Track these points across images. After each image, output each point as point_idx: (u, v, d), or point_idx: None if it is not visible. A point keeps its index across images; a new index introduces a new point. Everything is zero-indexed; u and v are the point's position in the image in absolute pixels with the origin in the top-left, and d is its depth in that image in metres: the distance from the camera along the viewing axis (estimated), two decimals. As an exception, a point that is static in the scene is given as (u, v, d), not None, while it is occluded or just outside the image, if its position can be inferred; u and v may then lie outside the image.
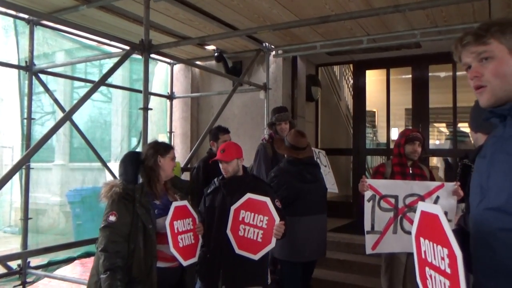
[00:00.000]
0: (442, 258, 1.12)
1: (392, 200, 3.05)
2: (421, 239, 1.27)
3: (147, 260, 2.42)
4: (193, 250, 2.67)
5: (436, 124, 10.27)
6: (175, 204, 2.58)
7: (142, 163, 2.65)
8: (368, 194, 3.09)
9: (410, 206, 3.00)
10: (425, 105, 6.34)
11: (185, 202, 2.69)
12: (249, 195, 2.73)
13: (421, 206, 1.27)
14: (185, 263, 2.53)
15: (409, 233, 2.89)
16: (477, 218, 1.27)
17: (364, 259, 4.61)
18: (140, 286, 2.39)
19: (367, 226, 3.09)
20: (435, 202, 2.92)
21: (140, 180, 2.58)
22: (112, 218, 2.39)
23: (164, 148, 2.69)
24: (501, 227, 1.16)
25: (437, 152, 7.19)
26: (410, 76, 6.56)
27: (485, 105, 1.27)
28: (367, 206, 3.10)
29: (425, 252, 1.24)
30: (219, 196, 2.94)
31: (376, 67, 6.92)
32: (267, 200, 2.65)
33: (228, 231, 2.76)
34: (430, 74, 6.35)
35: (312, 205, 3.41)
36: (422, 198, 2.98)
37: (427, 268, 1.23)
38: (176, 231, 2.52)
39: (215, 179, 3.06)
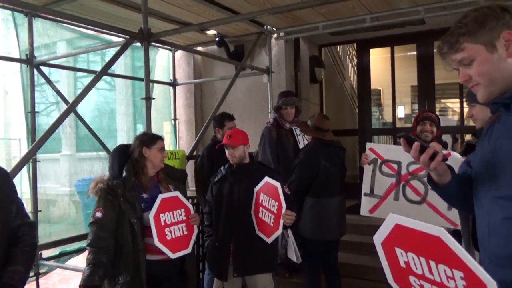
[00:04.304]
0: (450, 278, 1.10)
1: (395, 166, 3.01)
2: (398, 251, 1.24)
3: (135, 255, 2.42)
4: (186, 241, 2.61)
5: (442, 100, 10.16)
6: (161, 196, 2.52)
7: (129, 156, 2.61)
8: (370, 157, 3.08)
9: (413, 174, 2.94)
10: (431, 81, 6.27)
11: (176, 193, 2.63)
12: (266, 178, 2.73)
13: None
14: (173, 256, 2.49)
15: (412, 201, 2.92)
16: (486, 206, 1.26)
17: (372, 240, 4.62)
18: (130, 280, 2.41)
19: (365, 189, 3.10)
20: None
21: (124, 174, 2.54)
22: (99, 214, 2.41)
23: (150, 139, 2.64)
24: (511, 216, 1.16)
25: (444, 129, 7.12)
26: (415, 53, 6.47)
27: (483, 100, 1.27)
28: (367, 169, 3.09)
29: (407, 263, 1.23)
30: (227, 185, 2.95)
31: (380, 45, 6.81)
32: (278, 185, 2.63)
33: (252, 212, 2.80)
34: (435, 50, 6.25)
35: (338, 186, 3.54)
36: None
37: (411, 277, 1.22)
38: (163, 223, 2.47)
39: (222, 168, 3.06)
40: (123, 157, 2.61)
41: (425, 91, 6.32)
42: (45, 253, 4.33)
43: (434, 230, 1.10)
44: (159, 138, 2.69)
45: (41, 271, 4.28)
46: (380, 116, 10.17)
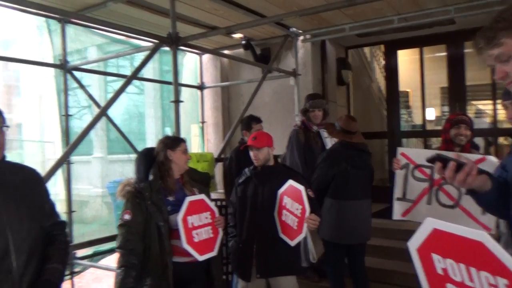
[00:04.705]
0: (493, 286, 1.05)
1: (428, 171, 2.96)
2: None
3: (163, 257, 2.45)
4: (211, 244, 2.61)
5: (473, 102, 9.87)
6: (189, 199, 2.54)
7: (154, 159, 2.64)
8: (401, 161, 3.04)
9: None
10: (462, 83, 6.11)
11: (202, 196, 2.64)
12: (290, 181, 2.73)
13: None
14: (200, 258, 2.50)
15: (444, 206, 2.88)
16: None
17: (401, 244, 4.50)
18: (157, 282, 2.44)
19: (398, 193, 3.05)
20: None
21: (150, 177, 2.57)
22: (127, 216, 2.44)
23: (174, 142, 2.66)
24: None
25: (476, 132, 6.94)
26: (445, 54, 6.32)
27: None
28: (399, 174, 3.05)
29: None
30: (251, 186, 2.97)
31: (408, 46, 6.69)
32: (302, 188, 2.62)
33: (275, 214, 2.80)
34: (465, 50, 6.10)
35: (360, 190, 3.46)
36: None
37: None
38: (190, 226, 2.49)
39: (246, 169, 3.08)
40: (148, 161, 2.65)
41: (455, 93, 6.17)
42: (79, 253, 4.45)
43: (475, 234, 1.06)
44: (182, 141, 2.72)
45: (76, 270, 4.41)
46: (409, 119, 9.97)
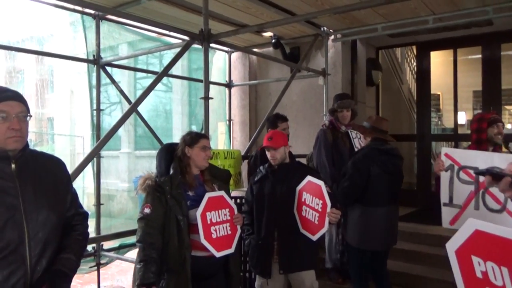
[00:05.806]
0: None
1: (472, 172, 2.79)
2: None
3: (181, 250, 2.44)
4: (229, 241, 2.59)
5: (507, 107, 9.57)
6: (208, 195, 2.53)
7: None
8: (445, 163, 2.87)
9: None
10: (497, 86, 5.92)
11: (221, 193, 2.63)
12: (309, 178, 2.74)
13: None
14: (218, 254, 2.49)
15: (492, 210, 2.69)
16: None
17: (429, 249, 4.44)
18: (175, 276, 2.44)
19: (444, 198, 2.88)
20: None
21: (171, 172, 2.57)
22: (147, 210, 2.45)
23: (192, 138, 2.64)
24: None
25: (510, 137, 6.71)
26: (480, 56, 6.14)
27: None
28: (445, 176, 2.87)
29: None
30: (268, 184, 2.97)
31: (441, 47, 6.54)
32: (321, 184, 2.64)
33: (295, 210, 2.81)
34: (502, 53, 5.91)
35: (390, 195, 3.36)
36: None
37: None
38: (209, 222, 2.48)
39: (261, 167, 3.10)
40: (169, 156, 2.66)
41: (490, 97, 5.98)
42: (106, 245, 4.53)
43: None
44: (202, 137, 2.69)
45: (102, 261, 4.49)
46: (439, 122, 9.75)
